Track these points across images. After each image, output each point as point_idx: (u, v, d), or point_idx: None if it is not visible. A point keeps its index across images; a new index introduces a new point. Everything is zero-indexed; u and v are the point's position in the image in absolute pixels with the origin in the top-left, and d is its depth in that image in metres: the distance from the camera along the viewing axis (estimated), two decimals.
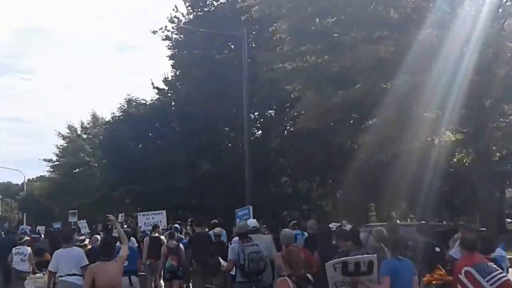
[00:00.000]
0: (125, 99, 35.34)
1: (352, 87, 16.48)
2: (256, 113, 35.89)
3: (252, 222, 11.93)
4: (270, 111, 36.75)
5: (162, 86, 36.45)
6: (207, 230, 15.45)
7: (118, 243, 9.22)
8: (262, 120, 35.23)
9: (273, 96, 31.16)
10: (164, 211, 20.38)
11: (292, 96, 21.34)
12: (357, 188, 30.03)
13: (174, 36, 34.42)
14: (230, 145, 35.09)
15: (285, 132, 34.52)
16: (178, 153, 32.11)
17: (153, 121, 33.44)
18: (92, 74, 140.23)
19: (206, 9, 32.50)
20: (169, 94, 35.84)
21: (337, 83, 17.03)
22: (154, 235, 15.20)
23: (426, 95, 15.20)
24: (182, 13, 33.70)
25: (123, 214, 37.09)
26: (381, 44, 15.76)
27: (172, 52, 33.93)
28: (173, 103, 33.78)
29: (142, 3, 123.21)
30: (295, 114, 22.05)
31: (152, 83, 36.05)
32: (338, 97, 16.09)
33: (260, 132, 36.59)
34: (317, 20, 18.01)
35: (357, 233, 9.08)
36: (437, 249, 9.79)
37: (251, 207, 22.23)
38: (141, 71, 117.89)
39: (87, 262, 9.55)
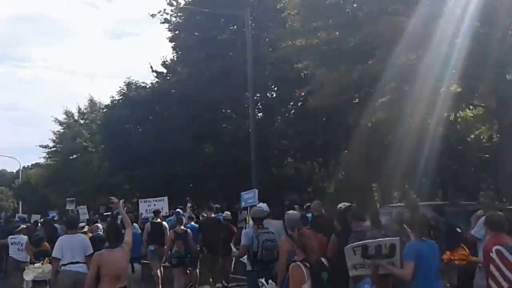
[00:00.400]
0: (124, 82, 34.50)
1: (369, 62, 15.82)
2: (257, 95, 35.14)
3: (264, 206, 11.53)
4: (272, 93, 36.09)
5: (161, 69, 35.75)
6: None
7: None
8: (263, 102, 34.47)
9: (277, 77, 30.37)
10: (166, 198, 19.91)
11: (302, 74, 20.58)
12: (361, 168, 29.60)
13: (173, 19, 33.59)
14: (230, 127, 34.33)
15: (290, 113, 33.85)
16: (179, 136, 31.30)
17: (154, 105, 32.64)
18: (89, 61, 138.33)
19: None
20: (169, 78, 35.04)
21: (353, 58, 16.34)
22: (156, 221, 14.63)
23: (446, 67, 14.57)
24: None
25: (123, 200, 36.58)
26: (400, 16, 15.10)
27: (172, 34, 33.02)
28: (173, 86, 32.86)
29: None
30: (305, 92, 21.23)
31: (151, 67, 35.29)
32: (357, 72, 15.38)
33: (261, 114, 35.90)
34: None
35: (376, 215, 8.75)
36: (459, 230, 9.42)
37: (256, 191, 21.78)
38: (139, 57, 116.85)
39: (92, 250, 9.11)
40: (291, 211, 10.03)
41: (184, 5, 31.04)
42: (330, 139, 34.49)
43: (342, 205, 11.42)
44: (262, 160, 37.52)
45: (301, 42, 18.26)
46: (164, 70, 35.61)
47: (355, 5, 16.92)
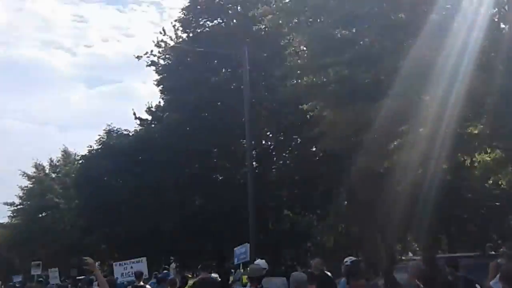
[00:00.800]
0: (104, 130, 33.69)
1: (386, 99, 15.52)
2: (252, 142, 34.85)
3: (262, 263, 11.18)
4: (268, 140, 35.81)
5: (146, 116, 35.37)
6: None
7: None
8: (258, 150, 34.13)
9: (274, 123, 30.18)
10: (144, 259, 19.22)
11: (308, 116, 20.20)
12: (365, 219, 29.08)
13: (162, 61, 33.55)
14: (222, 178, 33.72)
15: (287, 162, 33.53)
16: (165, 188, 30.63)
17: (137, 154, 31.83)
18: (63, 111, 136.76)
19: (198, 30, 31.72)
20: (154, 125, 34.64)
21: (367, 96, 16.09)
22: (138, 285, 14.24)
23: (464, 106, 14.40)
24: (170, 37, 32.99)
25: (99, 262, 35.30)
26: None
27: (161, 76, 32.89)
28: (160, 133, 32.41)
29: (116, 39, 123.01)
30: (313, 135, 20.70)
31: (134, 113, 34.90)
32: (374, 110, 15.03)
33: (255, 163, 35.49)
34: (340, 28, 17.27)
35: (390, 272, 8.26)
36: (478, 287, 8.78)
37: (248, 245, 20.96)
38: (119, 105, 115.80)
39: None
40: (296, 273, 9.67)
41: (174, 45, 31.07)
42: (330, 188, 34.24)
43: (348, 259, 11.18)
44: (258, 213, 36.91)
45: (309, 80, 18.03)
46: (149, 117, 35.27)
47: (367, 39, 16.82)
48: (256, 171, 33.58)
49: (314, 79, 17.02)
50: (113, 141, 31.67)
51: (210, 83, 28.69)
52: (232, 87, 28.66)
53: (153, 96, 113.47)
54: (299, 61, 19.31)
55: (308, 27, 17.40)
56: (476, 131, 15.83)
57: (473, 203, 32.76)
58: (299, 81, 17.93)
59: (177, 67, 30.43)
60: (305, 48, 18.53)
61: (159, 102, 33.97)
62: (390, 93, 15.38)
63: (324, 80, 17.11)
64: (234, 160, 33.45)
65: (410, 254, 42.79)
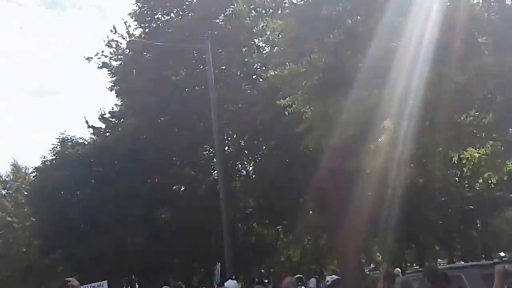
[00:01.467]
0: (58, 138, 30.88)
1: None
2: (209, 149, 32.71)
3: (232, 285, 9.84)
4: (231, 146, 33.77)
5: (100, 124, 32.83)
6: None
7: None
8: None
9: (238, 125, 27.98)
10: (105, 282, 18.52)
11: (287, 113, 17.84)
12: (343, 229, 27.35)
13: (114, 62, 30.98)
14: (186, 188, 31.38)
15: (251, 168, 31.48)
16: (127, 202, 28.06)
17: (95, 164, 29.37)
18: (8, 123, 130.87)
19: (154, 25, 29.20)
20: (108, 133, 32.04)
21: (363, 84, 14.05)
22: None
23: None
24: (121, 35, 30.50)
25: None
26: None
27: (115, 78, 30.26)
28: (119, 141, 29.78)
29: (62, 45, 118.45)
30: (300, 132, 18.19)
31: (87, 122, 32.27)
32: (374, 97, 12.96)
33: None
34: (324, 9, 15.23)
35: None
36: None
37: (219, 264, 19.50)
38: (69, 114, 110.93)
39: None
40: None
41: (131, 39, 28.47)
42: (298, 196, 32.40)
43: (329, 278, 11.14)
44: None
45: (290, 69, 15.82)
46: (103, 125, 32.80)
47: (358, 17, 14.77)
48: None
49: (297, 66, 14.77)
50: (68, 151, 28.81)
51: (171, 83, 26.28)
52: (196, 87, 26.29)
53: (107, 101, 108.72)
54: (275, 48, 17.24)
55: (289, 7, 15.25)
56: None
57: (445, 206, 31.33)
58: (275, 72, 15.69)
59: (133, 67, 27.86)
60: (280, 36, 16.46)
61: (113, 107, 31.29)
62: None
63: (306, 68, 14.85)
64: (200, 167, 31.33)
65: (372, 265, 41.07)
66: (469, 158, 14.93)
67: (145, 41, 24.95)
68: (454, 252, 35.90)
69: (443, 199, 30.83)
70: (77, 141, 30.67)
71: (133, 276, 33.97)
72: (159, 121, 26.96)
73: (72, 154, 29.00)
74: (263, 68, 23.36)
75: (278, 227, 38.79)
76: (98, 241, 27.47)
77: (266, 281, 37.68)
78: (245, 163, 33.04)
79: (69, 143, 30.34)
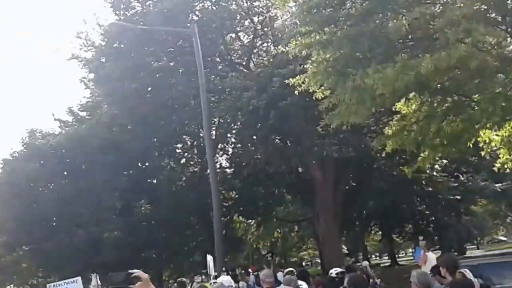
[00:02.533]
0: (26, 130, 29.43)
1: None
2: (188, 139, 31.78)
3: (226, 280, 9.63)
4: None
5: (72, 115, 31.39)
6: None
7: None
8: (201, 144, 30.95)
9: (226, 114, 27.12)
10: (79, 278, 17.13)
11: (296, 92, 16.37)
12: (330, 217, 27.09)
13: (84, 54, 29.51)
14: (164, 179, 30.29)
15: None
16: (103, 194, 26.88)
17: (69, 155, 27.88)
18: None
19: (132, 11, 27.91)
20: (75, 125, 30.56)
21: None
22: None
23: None
24: (92, 28, 29.24)
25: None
26: None
27: (89, 66, 28.77)
28: (94, 131, 28.30)
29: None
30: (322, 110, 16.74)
31: (53, 114, 30.79)
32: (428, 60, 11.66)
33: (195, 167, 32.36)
34: None
35: None
36: None
37: (210, 258, 18.63)
38: (35, 109, 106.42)
39: None
40: None
41: (109, 26, 27.07)
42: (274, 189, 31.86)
43: (333, 270, 11.09)
44: (202, 216, 33.95)
45: (309, 39, 14.46)
46: (70, 118, 31.39)
47: None
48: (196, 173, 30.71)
49: (318, 36, 13.50)
50: (39, 141, 27.29)
51: (152, 70, 25.02)
52: (179, 74, 25.20)
53: (77, 94, 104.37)
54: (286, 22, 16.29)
55: None
56: None
57: (431, 196, 31.41)
58: (295, 43, 14.49)
59: (111, 54, 26.49)
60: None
61: (83, 99, 29.99)
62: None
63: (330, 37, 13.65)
64: (178, 159, 30.37)
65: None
66: (487, 141, 14.50)
67: (128, 24, 23.60)
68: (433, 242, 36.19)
69: (429, 189, 30.82)
70: (48, 132, 29.04)
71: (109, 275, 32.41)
72: (137, 110, 25.57)
73: (43, 145, 27.63)
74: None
75: (252, 220, 38.36)
76: (71, 235, 26.39)
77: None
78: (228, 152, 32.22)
79: (39, 134, 28.67)
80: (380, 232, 47.22)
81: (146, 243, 27.39)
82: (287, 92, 20.56)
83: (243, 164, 26.64)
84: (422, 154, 15.59)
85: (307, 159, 22.44)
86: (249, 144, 25.13)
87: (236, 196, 32.97)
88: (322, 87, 14.26)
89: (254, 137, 24.15)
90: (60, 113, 29.60)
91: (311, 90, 14.56)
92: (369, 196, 31.26)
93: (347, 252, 39.98)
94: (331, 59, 13.10)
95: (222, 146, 31.73)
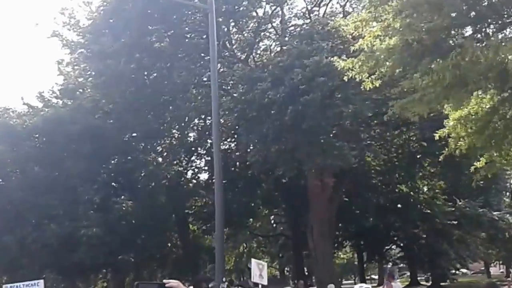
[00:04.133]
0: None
1: None
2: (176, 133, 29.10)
3: None
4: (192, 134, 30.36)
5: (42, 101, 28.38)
6: None
7: None
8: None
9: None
10: (41, 282, 15.57)
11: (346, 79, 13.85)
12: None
13: (67, 32, 26.70)
14: (147, 174, 27.55)
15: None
16: (82, 186, 24.04)
17: (46, 140, 24.85)
18: None
19: None
20: (44, 112, 27.58)
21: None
22: None
23: None
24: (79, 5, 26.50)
25: None
26: None
27: (71, 44, 25.83)
28: (73, 116, 25.33)
29: None
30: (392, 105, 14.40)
31: (22, 98, 27.78)
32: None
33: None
34: None
35: None
36: None
37: (255, 262, 16.06)
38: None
39: None
40: None
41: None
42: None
43: (358, 287, 10.74)
44: (179, 222, 31.44)
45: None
46: (40, 104, 28.38)
47: None
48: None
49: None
50: (13, 120, 24.16)
51: (152, 51, 22.47)
52: (183, 57, 22.75)
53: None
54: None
55: None
56: None
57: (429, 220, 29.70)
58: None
59: (105, 28, 23.69)
60: None
61: (66, 81, 27.06)
62: None
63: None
64: (166, 154, 27.77)
65: None
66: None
67: None
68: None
69: (428, 211, 29.07)
70: (24, 112, 25.94)
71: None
72: (129, 95, 22.93)
73: (17, 125, 24.32)
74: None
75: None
76: (41, 229, 23.56)
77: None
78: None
79: (13, 113, 25.54)
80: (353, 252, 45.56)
81: (124, 244, 24.58)
82: (307, 88, 18.52)
83: (246, 163, 24.03)
84: (482, 159, 13.50)
85: (323, 163, 20.10)
86: (254, 142, 22.47)
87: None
88: (374, 75, 12.06)
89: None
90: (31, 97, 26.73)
91: (358, 79, 12.34)
92: (364, 212, 29.45)
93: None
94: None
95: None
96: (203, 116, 27.37)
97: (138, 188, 26.27)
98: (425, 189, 31.14)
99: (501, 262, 45.43)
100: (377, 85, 11.82)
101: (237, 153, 27.66)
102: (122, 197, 25.19)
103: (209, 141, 28.14)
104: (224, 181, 18.91)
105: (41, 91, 28.40)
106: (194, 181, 31.73)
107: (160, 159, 27.90)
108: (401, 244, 35.34)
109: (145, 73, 23.65)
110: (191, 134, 29.49)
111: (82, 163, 24.08)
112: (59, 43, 26.92)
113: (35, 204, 23.73)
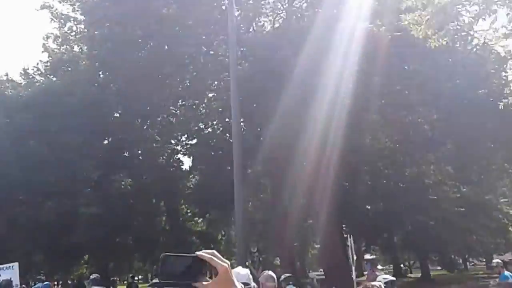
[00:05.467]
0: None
1: None
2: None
3: (244, 274, 6.16)
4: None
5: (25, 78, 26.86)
6: None
7: None
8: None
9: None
10: (16, 264, 15.40)
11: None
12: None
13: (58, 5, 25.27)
14: (142, 151, 26.18)
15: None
16: (79, 161, 22.59)
17: (42, 112, 23.28)
18: None
19: None
20: (49, 79, 26.10)
21: None
22: None
23: None
24: None
25: None
26: None
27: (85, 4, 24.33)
28: (69, 88, 23.80)
29: None
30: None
31: (6, 74, 26.22)
32: None
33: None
34: None
35: None
36: None
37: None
38: None
39: None
40: None
41: None
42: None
43: (382, 278, 8.94)
44: (170, 204, 30.08)
45: None
46: (23, 81, 26.90)
47: None
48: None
49: None
50: (9, 91, 22.63)
51: (158, 17, 21.09)
52: (189, 25, 21.49)
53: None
54: None
55: None
56: None
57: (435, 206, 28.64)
58: None
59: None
60: None
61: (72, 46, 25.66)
62: None
63: None
64: (164, 132, 26.36)
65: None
66: None
67: None
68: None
69: (434, 197, 28.00)
70: (19, 82, 24.37)
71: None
72: (133, 65, 21.60)
73: (13, 95, 22.74)
74: None
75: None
76: (38, 207, 22.16)
77: None
78: None
79: (8, 83, 23.97)
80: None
81: (123, 225, 23.22)
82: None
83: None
84: None
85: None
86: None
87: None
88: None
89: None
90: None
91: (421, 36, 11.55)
92: (371, 197, 28.34)
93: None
94: None
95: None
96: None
97: (137, 165, 24.93)
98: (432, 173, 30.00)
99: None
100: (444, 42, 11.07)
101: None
102: (121, 174, 23.84)
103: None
104: None
105: (26, 67, 27.03)
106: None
107: (157, 136, 26.38)
108: (405, 231, 34.07)
109: (150, 42, 22.25)
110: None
111: (79, 137, 22.69)
112: (48, 17, 25.76)
113: (29, 180, 22.21)
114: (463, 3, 11.07)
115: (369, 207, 29.12)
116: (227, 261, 1.81)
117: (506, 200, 30.58)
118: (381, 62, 18.47)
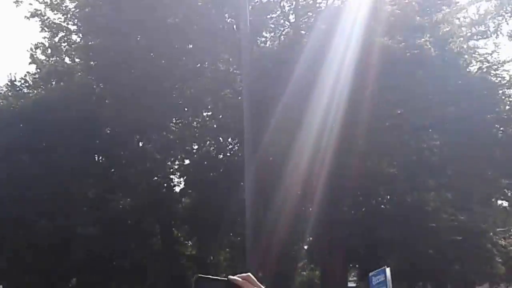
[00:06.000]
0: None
1: None
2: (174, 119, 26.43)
3: None
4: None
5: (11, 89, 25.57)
6: None
7: None
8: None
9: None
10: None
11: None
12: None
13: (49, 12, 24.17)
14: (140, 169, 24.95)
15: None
16: (75, 179, 21.31)
17: (35, 125, 21.96)
18: None
19: None
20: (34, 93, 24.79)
21: None
22: None
23: None
24: None
25: None
26: None
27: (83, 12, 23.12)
28: (62, 99, 22.50)
29: None
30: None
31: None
32: None
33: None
34: None
35: None
36: None
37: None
38: None
39: None
40: None
41: None
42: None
43: None
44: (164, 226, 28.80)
45: None
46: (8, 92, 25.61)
47: None
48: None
49: None
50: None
51: (162, 27, 20.08)
52: (195, 38, 20.59)
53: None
54: None
55: None
56: None
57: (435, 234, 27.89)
58: None
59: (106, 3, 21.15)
60: None
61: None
62: None
63: None
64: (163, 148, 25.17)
65: None
66: None
67: None
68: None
69: (433, 225, 27.31)
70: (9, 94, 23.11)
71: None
72: (135, 81, 20.53)
73: (4, 106, 21.59)
74: None
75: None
76: (28, 227, 20.80)
77: None
78: None
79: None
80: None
81: (121, 248, 21.87)
82: None
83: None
84: None
85: None
86: None
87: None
88: None
89: None
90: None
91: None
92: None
93: None
94: None
95: None
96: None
97: (133, 185, 23.63)
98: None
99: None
100: None
101: None
102: (120, 194, 22.51)
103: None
104: None
105: (13, 79, 25.67)
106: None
107: (157, 154, 25.08)
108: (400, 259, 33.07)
109: (152, 54, 21.13)
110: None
111: (74, 153, 21.35)
112: (38, 26, 24.49)
113: (20, 197, 20.72)
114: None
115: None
116: (262, 286, 1.79)
117: (503, 229, 29.98)
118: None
